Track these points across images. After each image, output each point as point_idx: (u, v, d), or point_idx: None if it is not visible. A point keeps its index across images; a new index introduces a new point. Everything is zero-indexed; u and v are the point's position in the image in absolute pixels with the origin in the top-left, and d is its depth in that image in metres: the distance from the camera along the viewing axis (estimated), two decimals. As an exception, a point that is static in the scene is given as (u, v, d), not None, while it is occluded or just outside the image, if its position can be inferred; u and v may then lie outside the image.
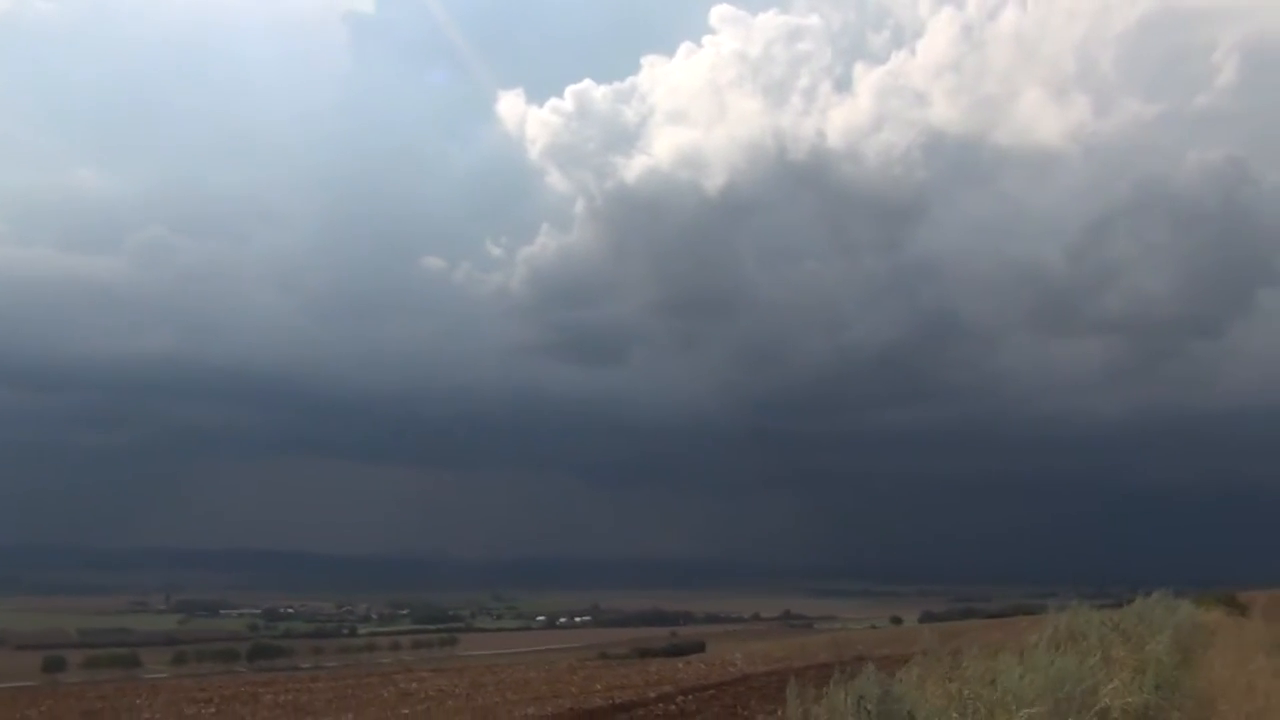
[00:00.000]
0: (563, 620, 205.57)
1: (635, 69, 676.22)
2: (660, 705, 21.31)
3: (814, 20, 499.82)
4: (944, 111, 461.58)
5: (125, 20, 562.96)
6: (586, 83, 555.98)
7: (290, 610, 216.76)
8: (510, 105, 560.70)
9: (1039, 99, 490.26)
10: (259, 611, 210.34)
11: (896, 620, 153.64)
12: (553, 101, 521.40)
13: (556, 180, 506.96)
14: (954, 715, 10.59)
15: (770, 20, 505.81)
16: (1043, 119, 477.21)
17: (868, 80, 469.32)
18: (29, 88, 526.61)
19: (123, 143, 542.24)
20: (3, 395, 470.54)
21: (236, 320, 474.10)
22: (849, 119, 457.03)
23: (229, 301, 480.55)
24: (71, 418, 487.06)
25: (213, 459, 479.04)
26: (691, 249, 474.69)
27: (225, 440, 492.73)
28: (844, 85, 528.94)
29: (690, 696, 22.72)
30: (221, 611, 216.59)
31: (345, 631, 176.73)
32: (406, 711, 22.12)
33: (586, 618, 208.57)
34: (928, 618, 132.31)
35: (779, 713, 10.58)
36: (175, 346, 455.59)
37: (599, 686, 26.12)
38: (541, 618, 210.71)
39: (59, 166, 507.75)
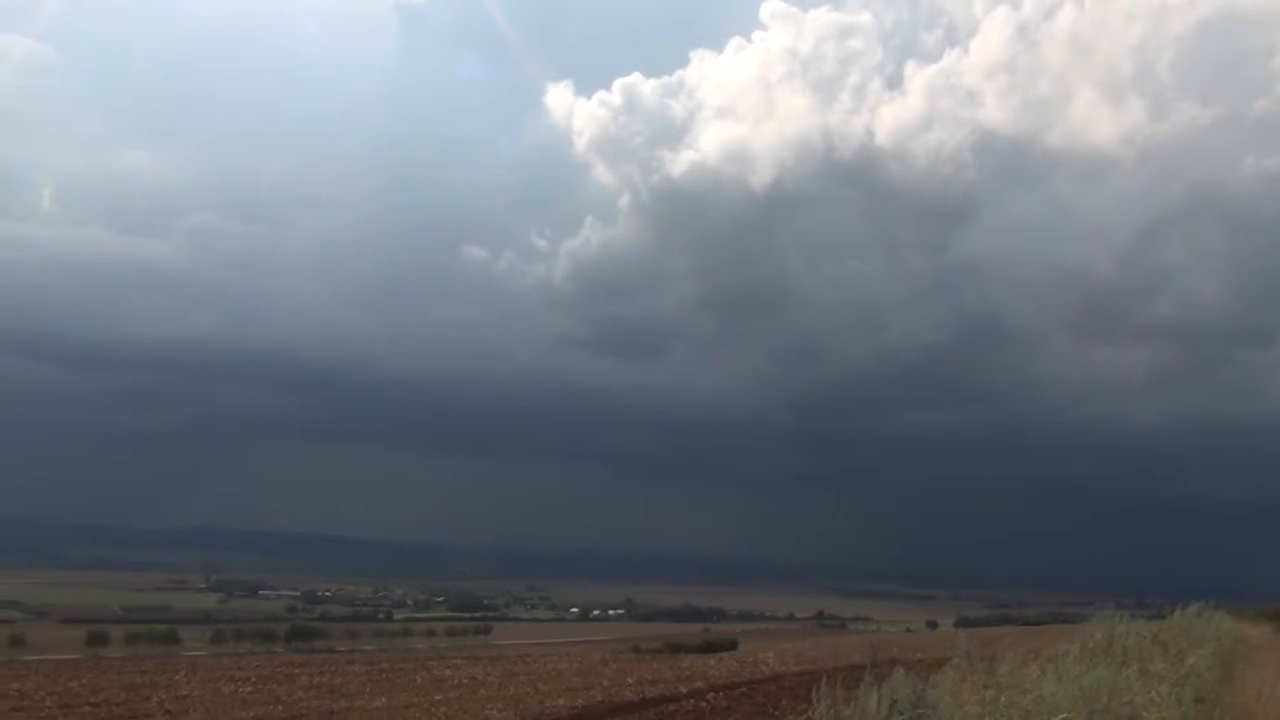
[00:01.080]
0: (596, 613, 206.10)
1: (684, 63, 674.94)
2: (691, 701, 21.35)
3: (866, 18, 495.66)
4: (996, 112, 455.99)
5: (179, 6, 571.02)
6: (635, 76, 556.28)
7: (327, 593, 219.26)
8: (559, 97, 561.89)
9: (1093, 101, 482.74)
10: (297, 593, 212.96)
11: (932, 624, 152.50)
12: (600, 94, 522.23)
13: (602, 173, 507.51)
14: (987, 721, 10.52)
15: (822, 17, 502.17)
16: (1096, 121, 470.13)
17: (919, 79, 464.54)
18: (83, 72, 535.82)
19: (174, 127, 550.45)
20: (53, 375, 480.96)
21: (280, 305, 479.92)
22: (899, 118, 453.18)
23: (273, 287, 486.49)
24: (118, 398, 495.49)
25: (255, 442, 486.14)
26: (735, 245, 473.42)
27: (267, 424, 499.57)
28: (894, 83, 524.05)
29: (721, 693, 22.74)
30: (260, 592, 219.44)
31: (381, 616, 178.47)
32: (439, 698, 22.32)
33: (620, 611, 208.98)
34: (963, 623, 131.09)
35: (809, 713, 10.55)
36: (220, 330, 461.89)
37: (630, 680, 26.20)
38: (575, 610, 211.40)
39: (111, 149, 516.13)
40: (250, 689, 23.81)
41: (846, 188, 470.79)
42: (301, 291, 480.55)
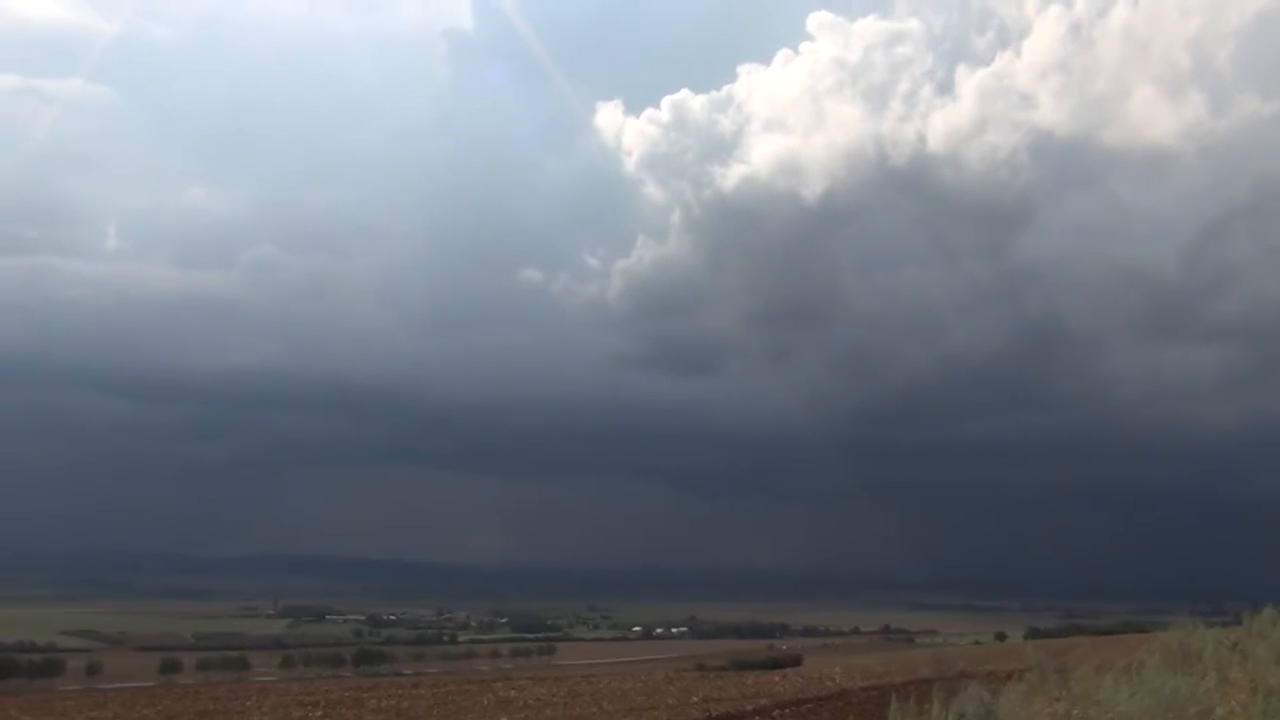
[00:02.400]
0: (659, 631, 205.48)
1: (732, 78, 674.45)
2: (757, 718, 21.19)
3: (914, 24, 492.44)
4: (1051, 113, 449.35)
5: (235, 44, 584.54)
6: (683, 92, 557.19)
7: (392, 617, 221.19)
8: (608, 116, 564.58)
9: (1151, 97, 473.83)
10: (363, 618, 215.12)
11: (1001, 636, 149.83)
12: (649, 112, 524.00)
13: (653, 191, 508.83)
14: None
15: (869, 25, 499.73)
16: (1155, 118, 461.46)
17: (970, 83, 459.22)
18: (144, 112, 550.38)
19: (233, 162, 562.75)
20: (121, 407, 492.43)
21: (339, 334, 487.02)
22: (951, 123, 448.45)
23: (332, 316, 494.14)
24: (186, 429, 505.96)
25: (319, 469, 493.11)
26: (789, 258, 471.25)
27: (330, 450, 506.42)
28: (946, 89, 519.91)
29: (787, 710, 22.53)
30: (327, 617, 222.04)
31: (445, 639, 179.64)
32: (505, 719, 22.42)
33: (683, 629, 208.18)
34: (1033, 634, 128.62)
35: (878, 729, 10.41)
36: (282, 359, 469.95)
37: (695, 698, 26.09)
38: (638, 628, 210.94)
39: (174, 186, 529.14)
40: (320, 714, 24.09)
41: (900, 196, 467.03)
42: (360, 319, 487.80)
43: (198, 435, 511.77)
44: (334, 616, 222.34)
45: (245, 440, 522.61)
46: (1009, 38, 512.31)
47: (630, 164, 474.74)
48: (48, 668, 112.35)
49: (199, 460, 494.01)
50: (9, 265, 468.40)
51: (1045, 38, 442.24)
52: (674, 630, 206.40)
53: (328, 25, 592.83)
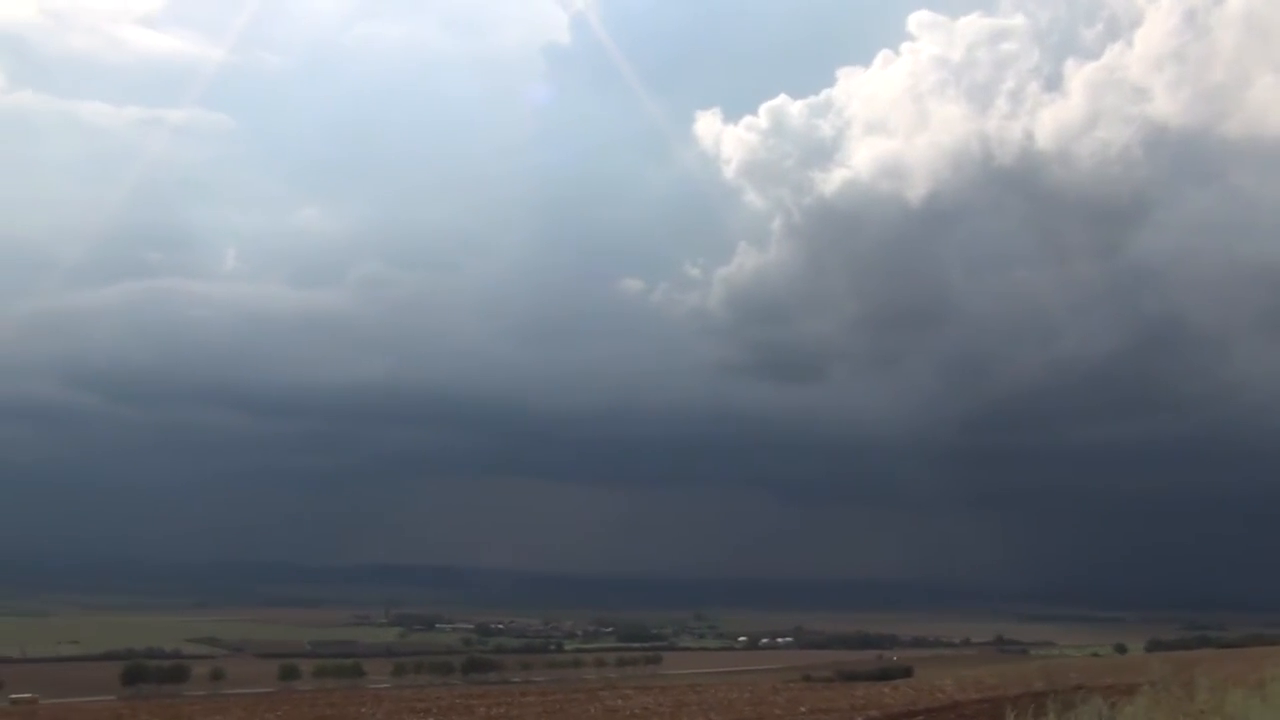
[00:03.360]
0: (764, 641, 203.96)
1: (831, 82, 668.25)
2: (866, 730, 20.88)
3: (1019, 20, 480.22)
4: (1166, 105, 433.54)
5: (342, 68, 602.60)
6: (781, 98, 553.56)
7: (500, 626, 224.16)
8: (707, 125, 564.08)
9: (1274, 85, 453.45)
10: (471, 627, 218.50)
11: (1120, 648, 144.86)
12: (748, 119, 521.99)
13: (753, 198, 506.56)
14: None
15: (973, 23, 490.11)
16: (1278, 107, 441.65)
17: (1079, 77, 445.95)
18: (258, 135, 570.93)
19: (342, 183, 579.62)
20: (242, 423, 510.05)
21: (447, 347, 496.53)
22: (1060, 119, 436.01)
23: (440, 329, 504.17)
24: (301, 443, 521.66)
25: (427, 481, 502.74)
26: (893, 262, 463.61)
27: (439, 462, 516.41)
28: (1053, 84, 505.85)
29: (898, 722, 22.15)
30: (437, 626, 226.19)
31: (552, 647, 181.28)
32: (612, 728, 22.56)
33: (788, 639, 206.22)
34: (1155, 646, 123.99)
35: (992, 742, 10.17)
36: (392, 374, 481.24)
37: (803, 709, 25.82)
38: (743, 638, 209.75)
39: (287, 208, 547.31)
40: (432, 720, 24.58)
41: (1007, 195, 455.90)
42: (466, 333, 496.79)
43: (313, 449, 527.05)
44: (443, 625, 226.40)
45: (358, 453, 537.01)
46: (1120, 29, 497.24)
47: (729, 172, 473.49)
48: (175, 673, 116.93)
49: (314, 473, 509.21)
50: (136, 289, 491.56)
51: (1158, 27, 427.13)
52: (779, 640, 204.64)
53: (431, 47, 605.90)
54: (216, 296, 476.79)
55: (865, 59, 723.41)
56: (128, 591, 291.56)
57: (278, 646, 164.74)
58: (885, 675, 69.84)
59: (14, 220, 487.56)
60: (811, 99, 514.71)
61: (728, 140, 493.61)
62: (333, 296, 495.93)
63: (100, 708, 39.12)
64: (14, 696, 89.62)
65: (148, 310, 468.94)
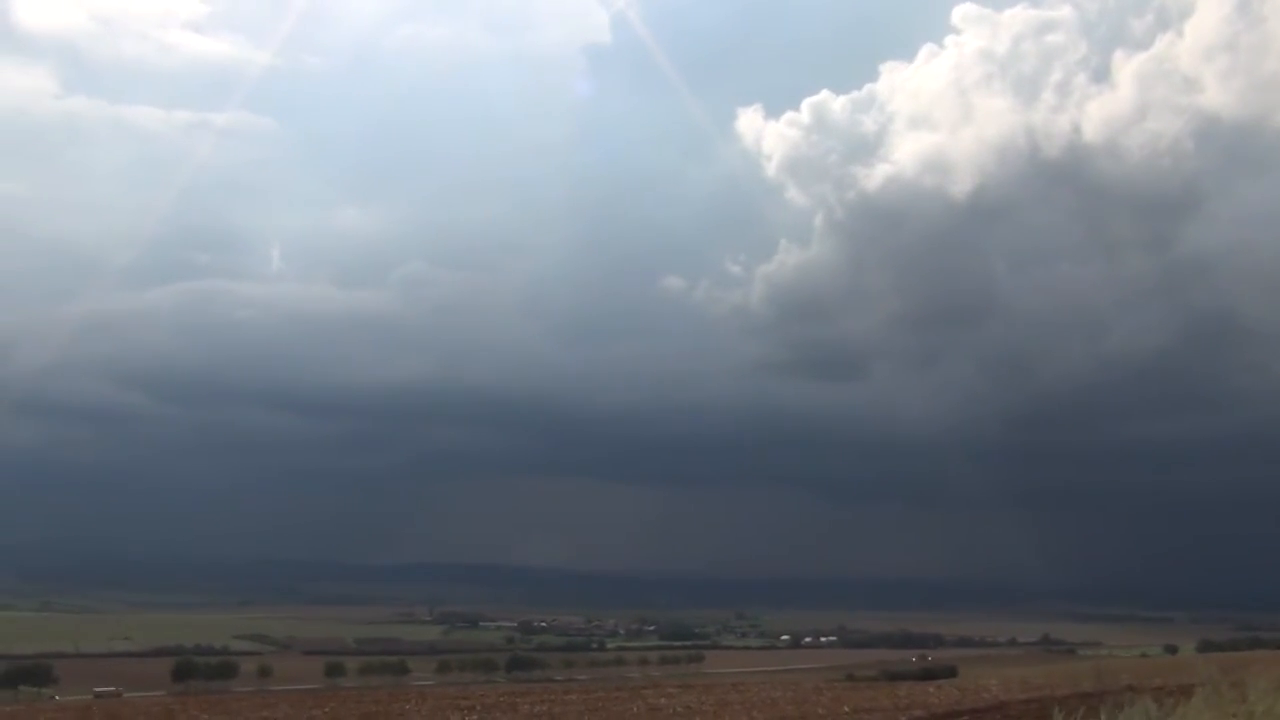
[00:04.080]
0: (807, 640, 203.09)
1: (874, 76, 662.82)
2: (911, 730, 20.72)
3: (1066, 11, 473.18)
4: (1217, 96, 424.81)
5: (384, 69, 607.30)
6: (824, 94, 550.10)
7: (543, 624, 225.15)
8: (749, 121, 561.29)
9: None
10: (514, 624, 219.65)
11: (1171, 649, 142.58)
12: (789, 115, 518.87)
13: (795, 195, 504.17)
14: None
15: (1018, 15, 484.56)
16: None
17: (1128, 68, 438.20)
18: (302, 137, 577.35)
19: (384, 183, 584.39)
20: (288, 423, 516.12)
21: (489, 346, 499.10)
22: (1108, 111, 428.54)
23: (481, 329, 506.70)
24: (346, 442, 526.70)
25: (470, 479, 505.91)
26: (937, 258, 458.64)
27: (481, 461, 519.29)
28: (1101, 76, 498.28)
29: (943, 722, 21.96)
30: (480, 624, 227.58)
31: (595, 646, 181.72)
32: (655, 726, 22.59)
33: (832, 638, 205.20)
34: (1207, 646, 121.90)
35: (1039, 743, 10.05)
36: (434, 373, 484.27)
37: (846, 709, 25.68)
38: (786, 637, 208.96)
39: (330, 209, 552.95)
40: (476, 717, 24.73)
41: (1054, 188, 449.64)
42: (508, 332, 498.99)
43: (358, 448, 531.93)
44: (487, 623, 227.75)
45: (402, 452, 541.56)
46: (1169, 19, 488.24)
47: (771, 168, 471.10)
48: (223, 670, 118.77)
49: (359, 473, 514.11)
50: (184, 290, 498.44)
51: (1210, 17, 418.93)
52: (823, 639, 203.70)
53: (473, 48, 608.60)
54: (263, 297, 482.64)
55: (909, 53, 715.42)
56: (177, 589, 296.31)
57: (324, 644, 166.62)
58: (929, 675, 69.27)
59: (67, 225, 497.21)
60: (854, 94, 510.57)
61: (769, 136, 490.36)
62: (375, 297, 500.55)
63: (151, 703, 39.80)
64: (98, 690, 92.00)
65: (196, 312, 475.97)
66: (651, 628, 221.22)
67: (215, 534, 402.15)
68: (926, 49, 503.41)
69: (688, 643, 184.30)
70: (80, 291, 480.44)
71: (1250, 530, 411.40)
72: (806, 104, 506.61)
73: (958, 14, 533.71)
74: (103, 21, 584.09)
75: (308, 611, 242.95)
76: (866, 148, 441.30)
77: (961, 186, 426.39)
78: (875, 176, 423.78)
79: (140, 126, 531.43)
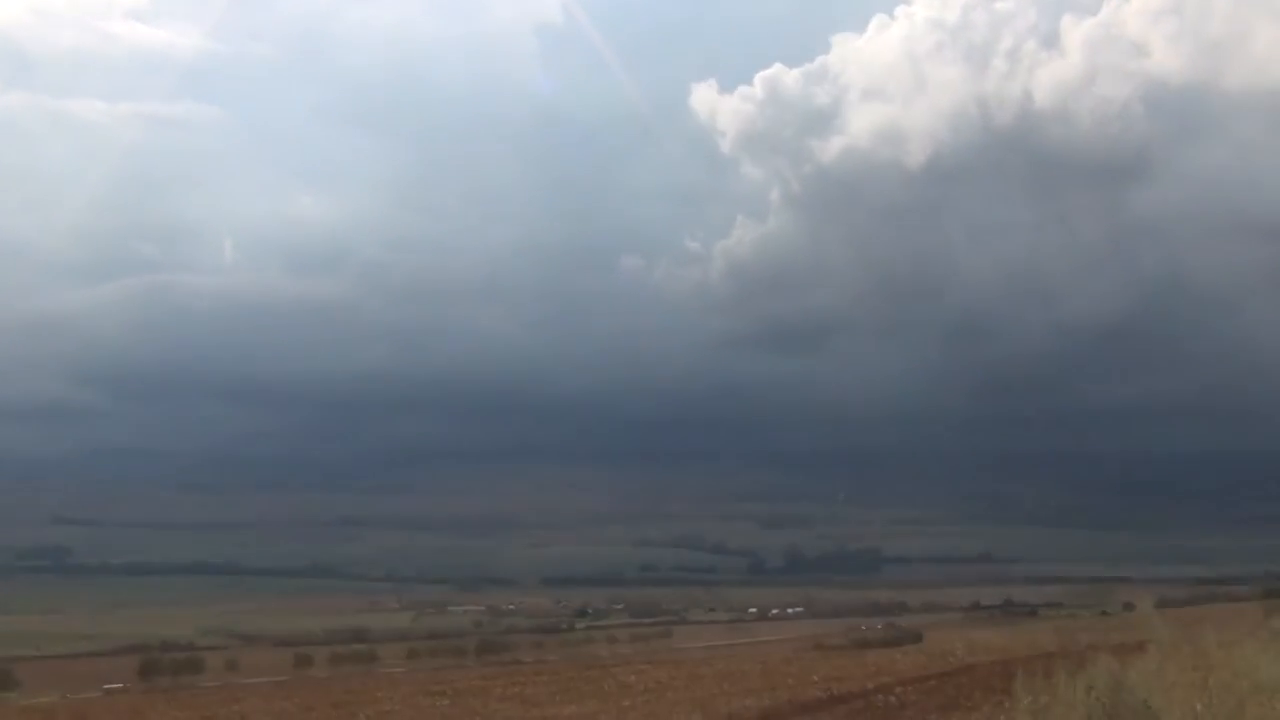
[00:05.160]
0: (774, 612, 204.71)
1: (826, 48, 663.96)
2: (880, 696, 20.96)
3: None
4: (1165, 60, 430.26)
5: (332, 54, 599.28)
6: (777, 67, 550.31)
7: (511, 607, 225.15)
8: (703, 97, 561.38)
9: (1275, 37, 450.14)
10: (482, 609, 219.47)
11: (1129, 606, 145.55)
12: (743, 89, 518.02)
13: (751, 169, 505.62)
14: (1198, 706, 9.98)
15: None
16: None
17: (1077, 34, 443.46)
18: (250, 125, 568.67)
19: (337, 169, 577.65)
20: (246, 415, 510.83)
21: (447, 333, 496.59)
22: (1058, 77, 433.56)
23: (440, 315, 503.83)
24: (305, 433, 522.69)
25: (432, 466, 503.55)
26: (894, 228, 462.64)
27: (442, 448, 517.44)
28: (1051, 42, 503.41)
29: (910, 687, 22.26)
30: (449, 609, 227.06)
31: (564, 627, 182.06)
32: (627, 703, 22.68)
33: (799, 609, 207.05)
34: (1164, 603, 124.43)
35: (1005, 703, 10.23)
36: (392, 361, 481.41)
37: (815, 678, 25.95)
38: (753, 610, 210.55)
39: (282, 197, 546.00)
40: (448, 702, 24.74)
41: (1008, 156, 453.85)
42: (468, 317, 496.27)
43: (319, 438, 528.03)
44: (455, 608, 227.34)
45: (362, 441, 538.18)
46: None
47: (726, 144, 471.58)
48: (190, 665, 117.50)
49: (321, 462, 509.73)
50: (135, 284, 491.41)
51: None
52: (790, 611, 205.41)
53: (422, 30, 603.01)
54: (216, 288, 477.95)
55: (860, 25, 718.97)
56: (140, 587, 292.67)
57: (291, 636, 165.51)
58: (896, 641, 70.19)
59: (12, 223, 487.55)
60: (807, 67, 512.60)
61: (724, 112, 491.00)
62: (331, 284, 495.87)
63: (119, 703, 39.44)
64: (107, 687, 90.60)
65: (148, 305, 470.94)
66: (620, 606, 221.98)
67: (176, 528, 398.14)
68: (877, 20, 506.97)
69: (656, 620, 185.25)
70: (30, 290, 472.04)
71: (1202, 490, 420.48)
72: (759, 78, 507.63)
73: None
74: (41, 13, 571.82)
75: (274, 603, 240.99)
76: (821, 120, 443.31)
77: (915, 157, 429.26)
78: (830, 150, 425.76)
79: (84, 120, 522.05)
